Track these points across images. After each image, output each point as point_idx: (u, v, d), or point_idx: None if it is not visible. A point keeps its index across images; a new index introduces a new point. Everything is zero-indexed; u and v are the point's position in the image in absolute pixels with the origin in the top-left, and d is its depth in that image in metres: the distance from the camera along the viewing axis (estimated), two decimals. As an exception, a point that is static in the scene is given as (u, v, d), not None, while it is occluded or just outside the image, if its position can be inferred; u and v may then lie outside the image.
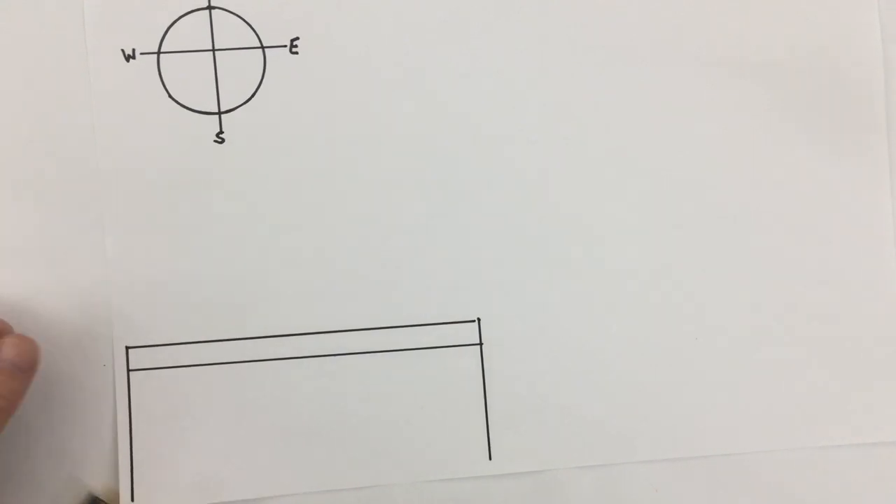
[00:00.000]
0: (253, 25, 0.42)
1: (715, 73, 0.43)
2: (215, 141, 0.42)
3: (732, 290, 0.43)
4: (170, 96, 0.41)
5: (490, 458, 0.43)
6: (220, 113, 0.42)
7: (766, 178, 0.43)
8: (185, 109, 0.41)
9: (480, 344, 0.43)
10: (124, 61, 0.41)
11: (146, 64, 0.41)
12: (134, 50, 0.41)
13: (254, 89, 0.42)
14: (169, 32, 0.41)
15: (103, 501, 0.41)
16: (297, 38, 0.42)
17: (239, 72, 0.42)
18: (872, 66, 0.43)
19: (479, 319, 0.43)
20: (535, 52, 0.42)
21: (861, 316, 0.43)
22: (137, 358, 0.41)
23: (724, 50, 0.43)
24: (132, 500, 0.42)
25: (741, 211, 0.43)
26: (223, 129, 0.42)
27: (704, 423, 0.43)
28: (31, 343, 0.38)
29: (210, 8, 0.41)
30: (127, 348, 0.41)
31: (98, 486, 0.41)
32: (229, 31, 0.41)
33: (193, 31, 0.41)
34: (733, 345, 0.43)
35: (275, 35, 0.42)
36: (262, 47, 0.42)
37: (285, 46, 0.42)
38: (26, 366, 0.37)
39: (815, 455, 0.43)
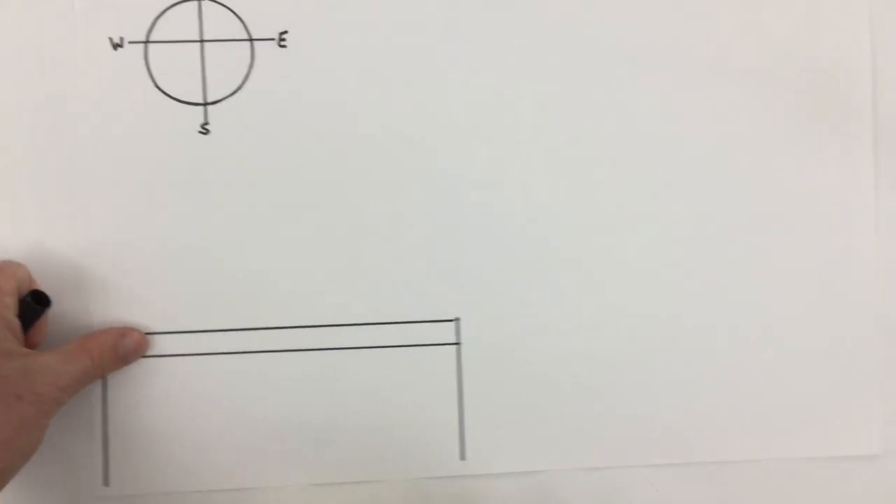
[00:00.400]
0: (242, 17, 0.42)
1: (706, 79, 0.43)
2: (200, 132, 0.42)
3: (714, 298, 0.43)
4: (156, 86, 0.41)
5: (463, 458, 0.43)
6: (205, 104, 0.42)
7: (752, 183, 0.43)
8: (170, 99, 0.42)
9: (458, 344, 0.43)
10: (112, 49, 0.41)
11: (134, 53, 0.41)
12: (122, 38, 0.41)
13: (240, 82, 0.42)
14: (158, 22, 0.41)
15: None
16: (286, 32, 0.42)
17: (226, 64, 0.42)
18: (861, 75, 0.43)
19: (457, 319, 0.43)
20: (526, 53, 0.42)
21: (841, 331, 0.44)
22: (115, 346, 0.41)
23: (716, 56, 0.43)
24: (107, 484, 0.42)
25: (725, 216, 0.43)
26: (208, 121, 0.42)
27: (682, 430, 0.43)
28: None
29: (200, -1, 0.41)
30: (104, 336, 0.41)
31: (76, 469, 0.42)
32: (218, 23, 0.41)
33: (182, 22, 0.41)
34: (713, 352, 0.43)
35: (264, 28, 0.42)
36: (251, 40, 0.42)
37: (274, 40, 0.42)
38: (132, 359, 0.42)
39: (791, 466, 0.44)
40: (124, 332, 0.41)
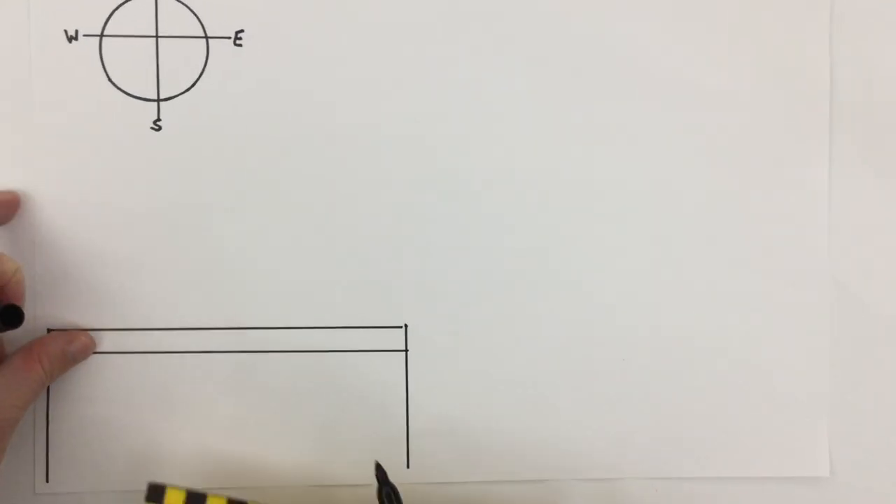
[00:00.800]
0: (198, 15, 0.41)
1: (671, 99, 0.43)
2: (152, 128, 0.41)
3: (664, 318, 0.43)
4: (109, 80, 0.41)
5: (408, 467, 0.42)
6: (158, 100, 0.41)
7: (713, 202, 0.43)
8: (123, 94, 0.41)
9: (406, 350, 0.42)
10: (66, 42, 0.41)
11: (88, 46, 0.41)
12: (77, 31, 0.41)
13: (195, 79, 0.41)
14: (113, 16, 0.41)
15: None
16: (242, 31, 0.41)
17: (181, 60, 0.41)
18: (819, 97, 0.43)
19: (405, 326, 0.42)
20: (489, 54, 0.42)
21: (790, 353, 0.43)
22: (57, 340, 0.41)
23: (683, 78, 0.43)
24: (46, 481, 0.41)
25: (678, 240, 0.43)
26: (161, 117, 0.41)
27: (627, 445, 0.43)
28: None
29: (156, -6, 0.41)
30: (48, 330, 0.41)
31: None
32: (174, 19, 0.41)
33: (138, 16, 0.41)
34: (662, 369, 0.43)
35: (220, 26, 0.41)
36: (206, 37, 0.41)
37: (230, 38, 0.41)
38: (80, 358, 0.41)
39: (739, 486, 0.43)
40: (71, 337, 0.40)
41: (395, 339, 0.42)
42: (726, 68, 0.43)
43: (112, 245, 0.41)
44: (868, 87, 0.43)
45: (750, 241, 0.43)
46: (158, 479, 0.40)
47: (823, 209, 0.43)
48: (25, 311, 0.39)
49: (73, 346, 0.40)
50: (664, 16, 0.42)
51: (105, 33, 0.41)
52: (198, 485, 0.41)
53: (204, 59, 0.41)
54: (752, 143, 0.43)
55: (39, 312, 0.41)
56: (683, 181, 0.43)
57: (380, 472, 0.38)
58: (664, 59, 0.43)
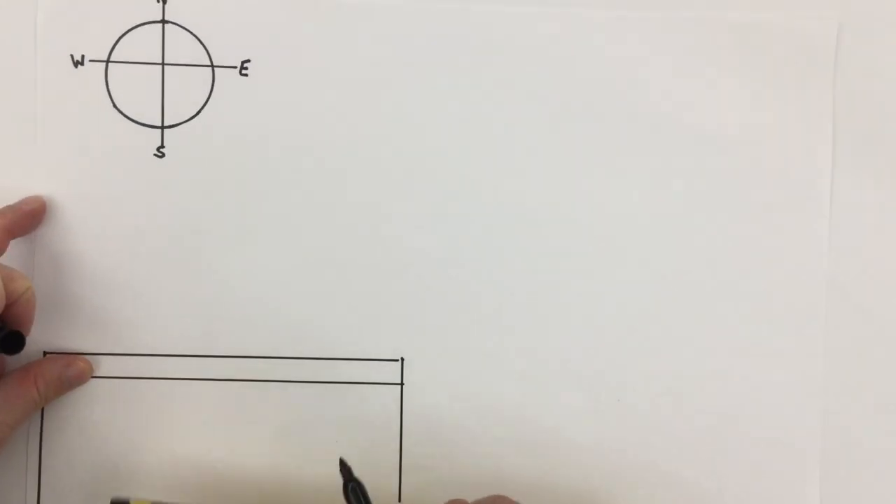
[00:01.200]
0: (205, 43, 0.41)
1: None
2: (155, 155, 0.41)
3: (657, 342, 0.43)
4: (114, 105, 0.41)
5: (399, 501, 0.42)
6: (163, 127, 0.41)
7: (707, 246, 0.43)
8: (128, 120, 0.41)
9: (402, 384, 0.42)
10: (73, 67, 0.41)
11: (94, 71, 0.41)
12: (83, 56, 0.41)
13: (199, 107, 0.41)
14: (120, 42, 0.41)
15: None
16: (249, 61, 0.42)
17: (186, 88, 0.41)
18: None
19: (402, 359, 0.42)
20: (484, 95, 0.42)
21: (782, 396, 0.43)
22: (53, 365, 0.41)
23: (676, 119, 0.43)
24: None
25: (672, 272, 0.43)
26: (164, 144, 0.41)
27: (618, 483, 0.43)
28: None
29: (164, 22, 0.41)
30: (45, 353, 0.41)
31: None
32: (181, 47, 0.41)
33: (145, 43, 0.41)
34: (652, 414, 0.43)
35: (226, 55, 0.41)
36: (212, 66, 0.41)
37: (235, 67, 0.42)
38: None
39: None
40: (69, 361, 0.40)
41: (392, 373, 0.42)
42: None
43: (111, 270, 0.41)
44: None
45: (742, 274, 0.43)
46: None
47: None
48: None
49: (70, 371, 0.40)
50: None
51: (111, 59, 0.41)
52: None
53: (209, 88, 0.41)
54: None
55: (36, 335, 0.41)
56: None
57: (344, 469, 0.37)
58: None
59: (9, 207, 0.39)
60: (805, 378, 0.43)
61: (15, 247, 0.40)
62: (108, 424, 0.41)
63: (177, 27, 0.41)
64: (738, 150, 0.43)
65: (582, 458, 0.43)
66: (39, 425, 0.41)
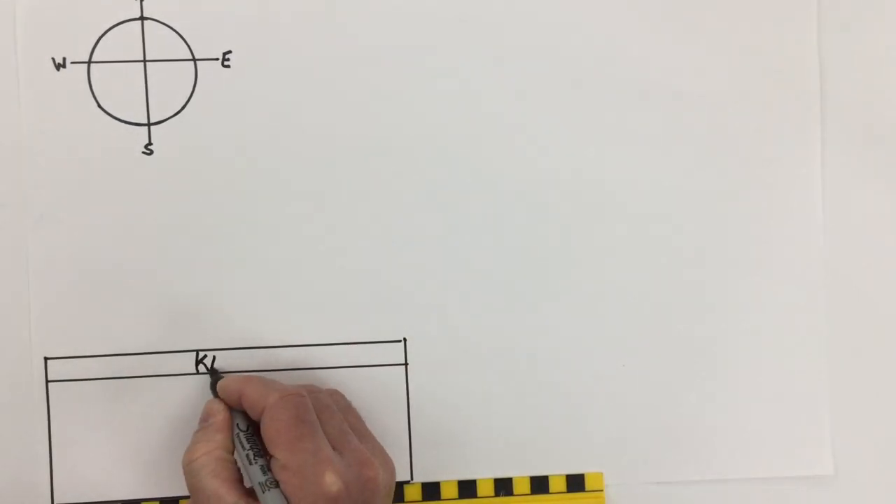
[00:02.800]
0: (185, 37, 0.41)
1: (654, 102, 0.43)
2: (143, 152, 0.41)
3: (666, 323, 0.43)
4: (99, 106, 0.41)
5: (412, 479, 0.42)
6: (149, 124, 0.41)
7: (707, 203, 0.43)
8: (114, 120, 0.41)
9: (406, 364, 0.42)
10: (54, 70, 0.41)
11: (76, 73, 0.41)
12: (65, 59, 0.41)
13: (184, 102, 0.41)
14: (100, 42, 0.41)
15: None
16: (230, 52, 0.42)
17: (169, 83, 0.41)
18: (810, 95, 0.43)
19: (405, 340, 0.42)
20: (476, 76, 0.42)
21: (792, 354, 0.43)
22: (56, 369, 0.41)
23: (664, 79, 0.43)
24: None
25: (675, 238, 0.43)
26: (152, 141, 0.41)
27: (632, 449, 0.43)
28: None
29: (143, 19, 0.41)
30: (45, 359, 0.41)
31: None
32: (161, 43, 0.41)
33: (125, 42, 0.41)
34: (666, 374, 0.43)
35: (207, 48, 0.41)
36: (194, 59, 0.41)
37: (217, 59, 0.41)
38: None
39: (746, 487, 0.43)
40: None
41: (395, 353, 0.42)
42: (718, 70, 0.43)
43: (107, 269, 0.41)
44: (860, 83, 0.43)
45: (745, 242, 0.43)
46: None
47: (817, 207, 0.43)
48: (21, 340, 0.40)
49: None
50: (655, 20, 0.43)
51: (93, 59, 0.41)
52: None
53: (193, 82, 0.41)
54: (744, 143, 0.43)
55: (35, 340, 0.41)
56: (677, 183, 0.43)
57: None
58: (656, 64, 0.43)
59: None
60: (809, 330, 0.44)
61: (8, 250, 0.41)
62: (118, 423, 0.41)
63: (156, 23, 0.41)
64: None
65: (589, 424, 0.43)
66: (48, 429, 0.41)
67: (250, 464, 0.36)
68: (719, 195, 0.43)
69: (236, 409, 0.38)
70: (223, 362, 0.42)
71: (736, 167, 0.43)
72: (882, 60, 0.44)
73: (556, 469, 0.43)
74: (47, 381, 0.41)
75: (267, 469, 0.35)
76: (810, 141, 0.43)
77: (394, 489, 0.38)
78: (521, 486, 0.42)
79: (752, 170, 0.43)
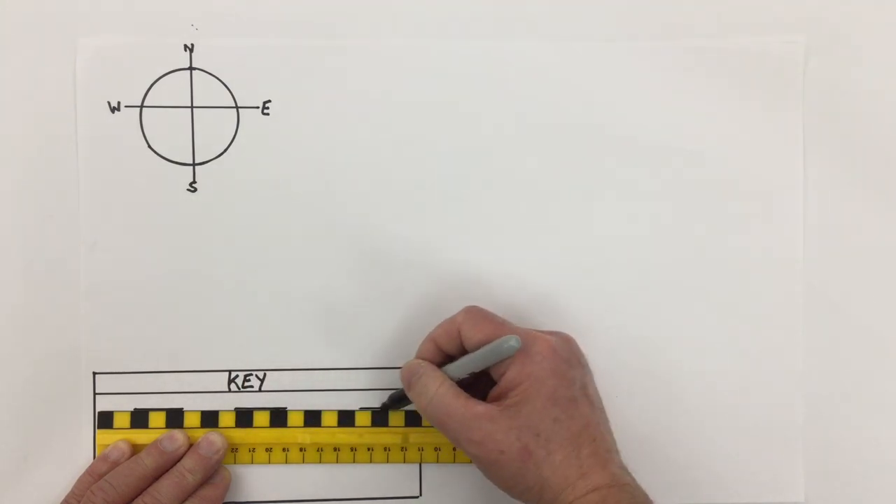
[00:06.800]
0: (229, 86, 0.46)
1: (647, 116, 0.47)
2: (188, 190, 0.46)
3: (644, 347, 0.47)
4: (149, 146, 0.45)
5: (420, 494, 0.46)
6: (194, 164, 0.46)
7: (688, 220, 0.47)
8: (162, 159, 0.45)
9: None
10: (110, 112, 0.45)
11: (130, 116, 0.45)
12: (119, 102, 0.45)
13: (226, 145, 0.46)
14: (152, 88, 0.45)
15: None
16: (269, 101, 0.46)
17: (214, 128, 0.46)
18: (792, 108, 0.47)
19: (418, 366, 0.46)
20: (487, 126, 0.46)
21: (766, 388, 0.47)
22: (104, 383, 0.45)
23: (661, 94, 0.47)
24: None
25: (657, 256, 0.47)
26: (196, 179, 0.46)
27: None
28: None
29: (191, 69, 0.45)
30: (94, 374, 0.45)
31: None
32: (207, 91, 0.45)
33: (175, 89, 0.45)
34: (642, 401, 0.47)
35: (248, 96, 0.46)
36: (237, 107, 0.46)
37: (258, 108, 0.46)
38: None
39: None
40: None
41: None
42: (703, 87, 0.47)
43: (151, 294, 0.45)
44: (840, 93, 0.47)
45: (725, 274, 0.47)
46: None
47: (798, 221, 0.47)
48: (73, 356, 0.44)
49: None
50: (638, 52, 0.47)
51: (145, 104, 0.45)
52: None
53: (235, 127, 0.46)
54: (726, 156, 0.47)
55: (85, 357, 0.45)
56: (659, 198, 0.47)
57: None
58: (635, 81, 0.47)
59: None
60: (785, 358, 0.47)
61: (62, 276, 0.45)
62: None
63: (203, 73, 0.45)
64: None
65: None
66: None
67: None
68: (705, 213, 0.47)
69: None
70: (254, 382, 0.46)
71: (717, 179, 0.47)
72: (863, 70, 0.47)
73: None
74: (95, 394, 0.45)
75: None
76: (792, 151, 0.47)
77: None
78: None
79: (736, 189, 0.47)
